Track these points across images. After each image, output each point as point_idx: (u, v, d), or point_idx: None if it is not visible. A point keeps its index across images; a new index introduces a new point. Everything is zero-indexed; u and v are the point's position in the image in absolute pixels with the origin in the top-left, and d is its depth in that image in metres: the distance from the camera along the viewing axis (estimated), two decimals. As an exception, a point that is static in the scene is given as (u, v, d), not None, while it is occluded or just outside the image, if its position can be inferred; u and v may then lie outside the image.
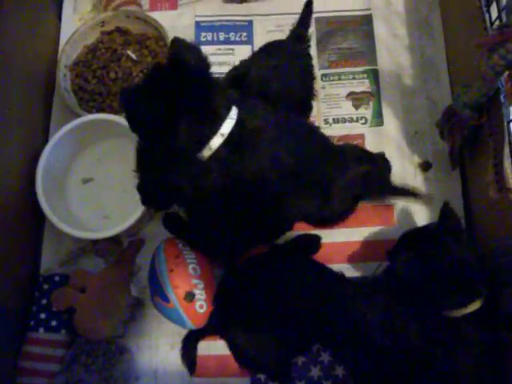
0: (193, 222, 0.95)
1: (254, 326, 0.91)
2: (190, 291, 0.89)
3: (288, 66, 0.97)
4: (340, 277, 0.94)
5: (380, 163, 0.99)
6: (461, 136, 0.93)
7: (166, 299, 0.90)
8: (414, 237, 0.89)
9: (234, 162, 0.75)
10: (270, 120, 0.80)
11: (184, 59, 0.73)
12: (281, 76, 0.94)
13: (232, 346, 0.94)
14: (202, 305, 0.90)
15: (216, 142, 0.73)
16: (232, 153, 0.74)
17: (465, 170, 1.04)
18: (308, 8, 1.06)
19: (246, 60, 0.99)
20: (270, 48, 1.01)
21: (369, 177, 0.92)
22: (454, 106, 0.91)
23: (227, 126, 0.74)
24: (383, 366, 0.85)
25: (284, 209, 0.85)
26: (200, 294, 0.90)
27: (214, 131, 0.73)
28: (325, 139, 0.92)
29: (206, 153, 0.73)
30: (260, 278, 0.94)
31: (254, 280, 0.94)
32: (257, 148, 0.76)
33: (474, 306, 0.80)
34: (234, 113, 0.75)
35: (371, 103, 1.13)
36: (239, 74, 0.94)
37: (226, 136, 0.73)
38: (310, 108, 1.05)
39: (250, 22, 1.21)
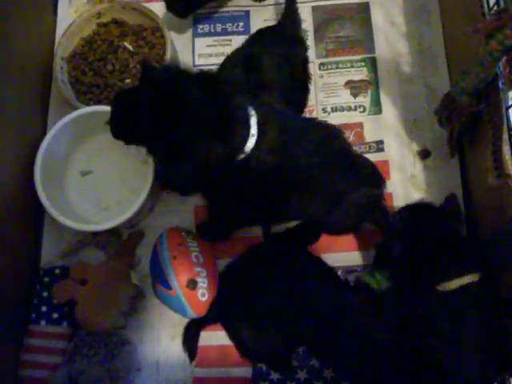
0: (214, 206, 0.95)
1: (255, 316, 0.92)
2: (192, 278, 0.90)
3: (281, 50, 0.98)
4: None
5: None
6: (459, 123, 0.93)
7: (169, 286, 0.90)
8: (410, 210, 0.89)
9: (265, 159, 0.79)
10: (290, 119, 0.86)
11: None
12: (275, 60, 0.96)
13: (233, 336, 0.94)
14: (203, 293, 0.90)
15: (250, 143, 0.77)
16: (262, 151, 0.79)
17: (464, 157, 1.04)
18: None
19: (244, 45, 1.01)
20: (264, 33, 1.03)
21: (376, 202, 0.93)
22: (452, 92, 0.91)
23: (254, 127, 0.78)
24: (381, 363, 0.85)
25: (290, 205, 0.87)
26: (202, 282, 0.90)
27: (247, 134, 0.77)
28: (344, 147, 0.92)
29: (242, 155, 0.78)
30: (261, 269, 0.94)
31: (256, 270, 0.94)
32: (282, 146, 0.80)
33: (470, 278, 0.80)
34: (253, 113, 0.79)
35: (369, 91, 1.13)
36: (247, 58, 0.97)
37: (256, 136, 0.78)
38: (307, 91, 1.06)
39: (247, 12, 1.21)
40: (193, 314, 0.92)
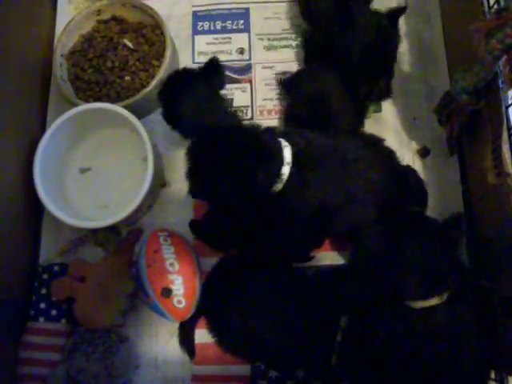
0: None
1: (249, 311, 0.91)
2: (166, 287, 0.89)
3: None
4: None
5: None
6: (459, 122, 0.93)
7: (146, 294, 0.91)
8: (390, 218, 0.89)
9: (301, 188, 0.84)
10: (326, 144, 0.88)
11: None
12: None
13: (222, 332, 0.94)
14: (179, 300, 0.90)
15: (285, 171, 0.82)
16: (298, 180, 0.83)
17: (463, 156, 1.03)
18: None
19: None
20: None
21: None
22: (451, 91, 0.91)
23: (288, 155, 0.82)
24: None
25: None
26: (177, 290, 0.90)
27: (281, 163, 0.82)
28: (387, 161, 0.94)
29: (279, 185, 0.82)
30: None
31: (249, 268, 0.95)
32: (318, 172, 0.85)
33: (434, 301, 0.81)
34: (285, 144, 0.83)
35: (368, 90, 1.12)
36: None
37: (290, 164, 0.82)
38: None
39: (247, 10, 1.20)
40: (173, 319, 0.93)
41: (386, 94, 1.02)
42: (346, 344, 0.88)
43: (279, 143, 0.83)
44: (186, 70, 0.95)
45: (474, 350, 0.81)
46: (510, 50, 0.78)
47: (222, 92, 0.95)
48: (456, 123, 0.94)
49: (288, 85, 1.09)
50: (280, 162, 0.82)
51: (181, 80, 0.92)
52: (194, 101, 0.89)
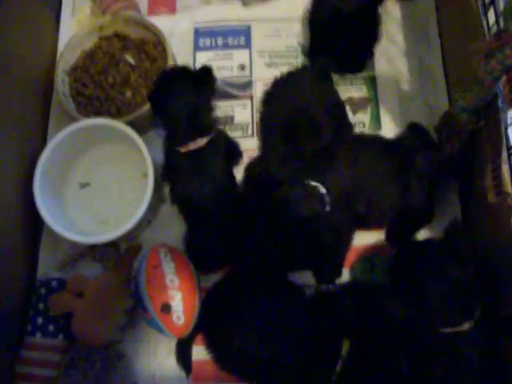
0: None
1: (248, 330, 0.90)
2: (166, 303, 0.89)
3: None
4: None
5: None
6: (459, 140, 0.94)
7: (145, 309, 0.90)
8: (411, 253, 0.88)
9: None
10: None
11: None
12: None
13: (220, 350, 0.93)
14: (179, 316, 0.89)
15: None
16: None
17: (463, 175, 1.04)
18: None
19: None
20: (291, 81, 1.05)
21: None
22: (451, 110, 0.92)
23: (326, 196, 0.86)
24: None
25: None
26: (177, 306, 0.89)
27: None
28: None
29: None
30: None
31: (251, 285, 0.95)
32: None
33: (467, 325, 0.80)
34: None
35: (369, 108, 1.13)
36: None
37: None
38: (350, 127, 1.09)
39: (249, 27, 1.21)
40: (172, 335, 0.92)
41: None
42: (347, 370, 0.86)
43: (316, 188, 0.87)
44: (177, 69, 0.98)
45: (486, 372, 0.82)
46: (509, 71, 0.79)
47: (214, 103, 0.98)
48: (456, 142, 0.95)
49: (266, 96, 1.08)
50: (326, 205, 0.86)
51: (172, 76, 0.95)
52: (180, 95, 0.92)
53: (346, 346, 0.86)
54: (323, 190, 0.86)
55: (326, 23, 1.08)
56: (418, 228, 1.00)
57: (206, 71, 0.95)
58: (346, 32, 1.05)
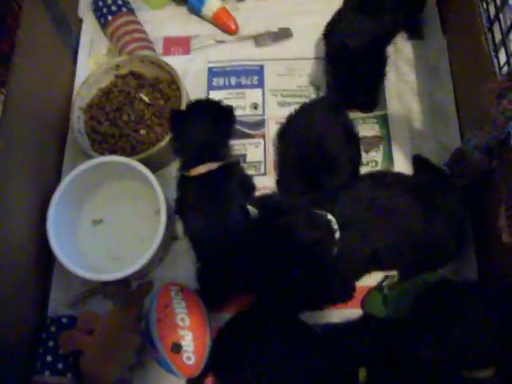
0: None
1: (261, 369, 0.89)
2: (176, 343, 0.88)
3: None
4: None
5: None
6: (471, 180, 0.93)
7: (155, 348, 0.89)
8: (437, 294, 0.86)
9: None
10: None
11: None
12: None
13: None
14: (189, 356, 0.88)
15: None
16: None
17: (477, 214, 1.03)
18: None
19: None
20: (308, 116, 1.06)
21: None
22: (464, 148, 0.91)
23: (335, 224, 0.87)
24: None
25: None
26: (187, 346, 0.89)
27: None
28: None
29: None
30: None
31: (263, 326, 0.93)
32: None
33: (488, 372, 0.78)
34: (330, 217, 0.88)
35: (381, 147, 1.13)
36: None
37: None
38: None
39: (262, 67, 1.23)
40: (182, 376, 0.91)
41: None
42: None
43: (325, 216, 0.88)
44: (201, 102, 1.04)
45: None
46: (521, 111, 0.79)
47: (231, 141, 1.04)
48: (468, 180, 0.94)
49: (280, 133, 1.10)
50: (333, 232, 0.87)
51: (197, 105, 1.03)
52: (199, 122, 0.99)
53: (362, 374, 0.85)
54: (330, 217, 0.86)
55: (336, 59, 1.10)
56: (440, 264, 1.00)
57: (228, 110, 1.01)
58: (354, 68, 1.06)
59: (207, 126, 0.98)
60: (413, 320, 0.84)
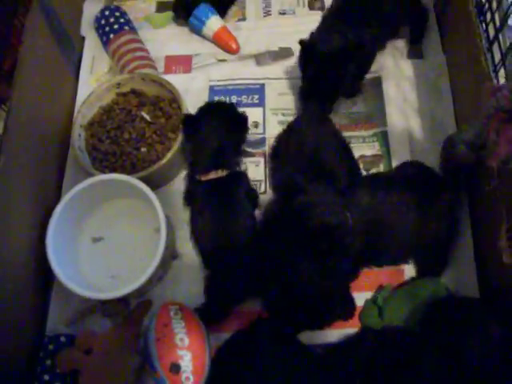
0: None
1: None
2: (175, 363, 0.87)
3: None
4: None
5: None
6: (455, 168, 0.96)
7: (154, 368, 0.88)
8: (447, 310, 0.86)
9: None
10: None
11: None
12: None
13: None
14: (188, 377, 0.87)
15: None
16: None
17: (477, 235, 1.02)
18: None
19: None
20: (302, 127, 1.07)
21: None
22: (453, 136, 0.93)
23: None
24: None
25: None
26: (186, 366, 0.88)
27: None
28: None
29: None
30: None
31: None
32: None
33: None
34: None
35: (382, 165, 1.13)
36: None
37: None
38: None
39: (262, 85, 1.24)
40: None
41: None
42: None
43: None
44: (215, 105, 1.08)
45: None
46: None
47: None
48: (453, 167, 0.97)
49: (273, 154, 1.10)
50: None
51: (213, 108, 1.06)
52: (214, 126, 1.02)
53: None
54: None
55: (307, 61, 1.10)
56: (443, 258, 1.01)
57: (244, 119, 1.06)
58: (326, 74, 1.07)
59: (220, 133, 1.01)
60: (421, 334, 0.84)
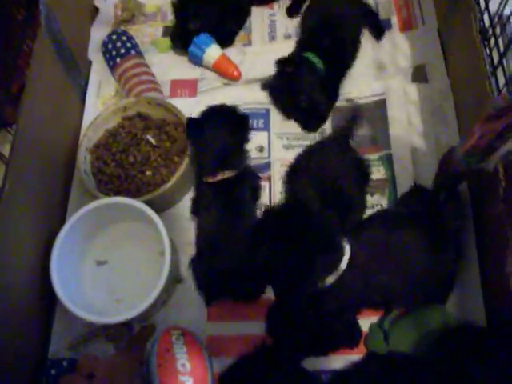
0: None
1: None
2: None
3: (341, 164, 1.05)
4: None
5: None
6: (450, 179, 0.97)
7: None
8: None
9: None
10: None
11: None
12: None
13: None
14: None
15: (342, 266, 0.87)
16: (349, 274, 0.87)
17: (483, 261, 1.01)
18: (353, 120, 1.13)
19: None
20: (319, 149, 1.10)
21: None
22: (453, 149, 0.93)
23: (347, 253, 0.87)
24: None
25: None
26: None
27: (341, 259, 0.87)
28: None
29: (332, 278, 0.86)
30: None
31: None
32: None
33: None
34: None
35: (386, 189, 1.13)
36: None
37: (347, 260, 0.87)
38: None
39: (268, 110, 1.25)
40: None
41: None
42: None
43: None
44: (217, 109, 1.09)
45: None
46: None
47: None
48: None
49: (290, 174, 1.11)
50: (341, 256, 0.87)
51: (216, 112, 1.08)
52: (218, 128, 1.04)
53: None
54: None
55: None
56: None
57: (245, 119, 1.08)
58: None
59: (224, 135, 1.03)
60: (427, 361, 0.83)
